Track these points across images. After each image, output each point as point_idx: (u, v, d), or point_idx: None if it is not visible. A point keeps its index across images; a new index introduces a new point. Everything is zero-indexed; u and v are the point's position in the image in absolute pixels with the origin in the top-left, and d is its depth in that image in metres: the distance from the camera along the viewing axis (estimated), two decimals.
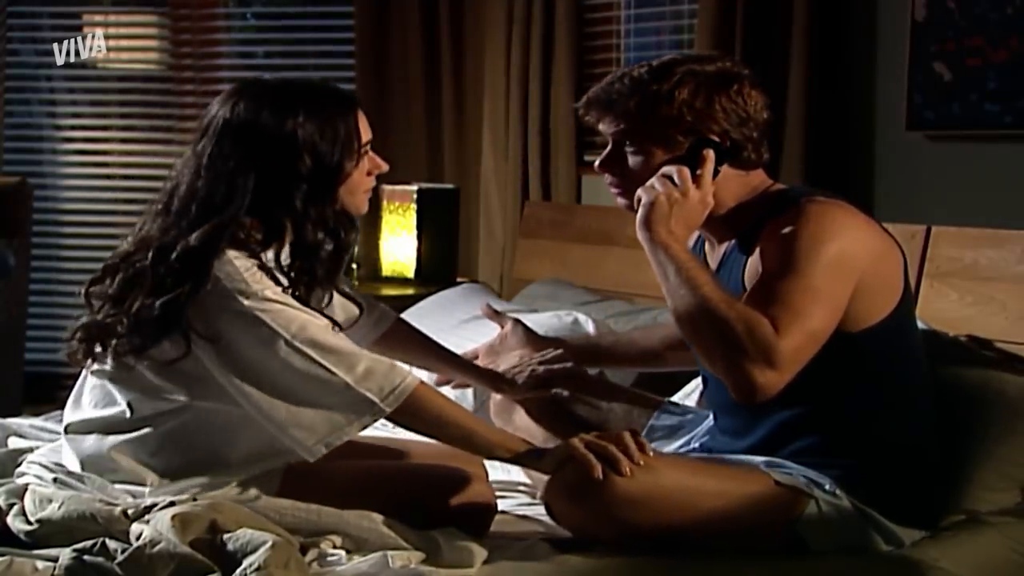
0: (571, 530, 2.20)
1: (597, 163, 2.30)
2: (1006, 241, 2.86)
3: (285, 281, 2.16)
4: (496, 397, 2.69)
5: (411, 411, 2.12)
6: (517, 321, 2.77)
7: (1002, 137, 3.10)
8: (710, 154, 2.18)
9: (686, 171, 2.16)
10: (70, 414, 2.27)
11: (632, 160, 2.25)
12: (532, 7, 4.23)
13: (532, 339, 2.72)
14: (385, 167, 2.28)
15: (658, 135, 2.21)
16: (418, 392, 2.13)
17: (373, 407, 2.09)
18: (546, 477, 2.21)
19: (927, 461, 2.31)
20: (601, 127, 2.29)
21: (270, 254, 2.18)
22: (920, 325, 2.46)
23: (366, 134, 2.23)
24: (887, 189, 3.32)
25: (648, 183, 2.17)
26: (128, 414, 2.19)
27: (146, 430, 2.18)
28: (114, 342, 2.16)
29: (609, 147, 2.28)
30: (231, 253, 2.11)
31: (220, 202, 2.13)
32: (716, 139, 2.20)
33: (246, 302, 2.08)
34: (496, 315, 2.80)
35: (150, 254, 2.13)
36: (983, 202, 3.13)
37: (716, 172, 2.19)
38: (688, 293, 2.07)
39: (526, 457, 2.21)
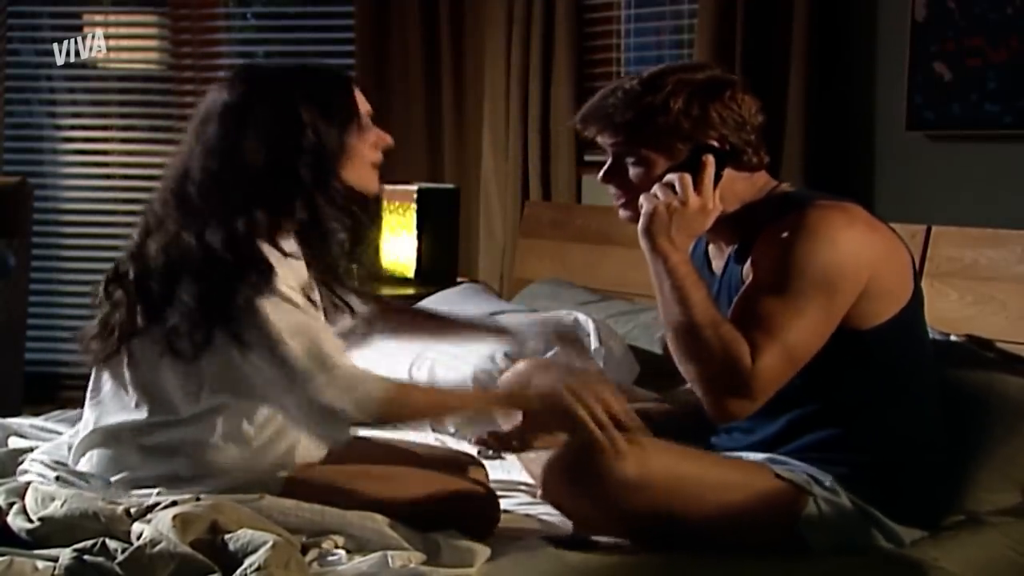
0: (568, 514, 2.21)
1: (600, 175, 2.31)
2: (1006, 241, 2.86)
3: (304, 271, 2.16)
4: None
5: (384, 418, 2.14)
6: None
7: (1002, 137, 3.10)
8: (710, 159, 2.19)
9: (687, 178, 2.17)
10: (95, 418, 2.25)
11: (634, 171, 2.25)
12: (532, 7, 4.23)
13: None
14: (390, 141, 2.30)
15: (657, 144, 2.22)
16: (389, 399, 2.12)
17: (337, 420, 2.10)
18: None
19: (931, 460, 2.31)
20: (600, 140, 2.30)
21: (292, 243, 2.18)
22: None
23: (364, 108, 2.25)
24: (887, 189, 3.32)
25: (651, 191, 2.18)
26: (154, 416, 2.19)
27: (172, 432, 2.18)
28: (158, 336, 2.13)
29: (610, 160, 2.29)
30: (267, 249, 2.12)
31: (237, 184, 2.13)
32: (715, 144, 2.20)
33: (262, 298, 2.08)
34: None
35: (191, 244, 2.11)
36: (983, 202, 3.13)
37: (719, 177, 2.20)
38: (679, 311, 2.12)
39: (508, 397, 2.29)
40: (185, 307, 2.09)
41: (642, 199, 2.19)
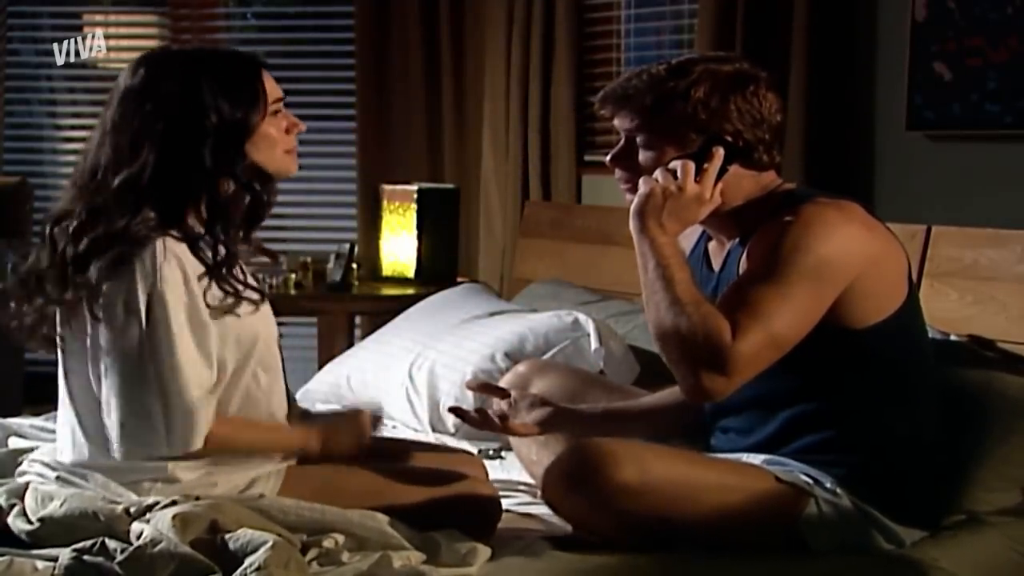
0: (568, 519, 2.21)
1: (608, 158, 2.31)
2: (1006, 241, 2.86)
3: (210, 253, 2.15)
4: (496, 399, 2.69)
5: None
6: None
7: (1002, 137, 3.10)
8: (719, 151, 2.19)
9: (691, 165, 2.17)
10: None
11: (643, 156, 2.25)
12: (532, 7, 4.22)
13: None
14: (303, 126, 2.28)
15: (671, 132, 2.22)
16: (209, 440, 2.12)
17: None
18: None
19: (931, 461, 2.31)
20: (616, 122, 2.30)
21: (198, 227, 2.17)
22: None
23: (274, 92, 2.24)
24: (887, 189, 3.32)
25: (652, 175, 2.18)
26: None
27: None
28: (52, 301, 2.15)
29: (622, 142, 2.29)
30: (169, 242, 2.11)
31: (127, 161, 2.13)
32: (728, 139, 2.20)
33: (142, 295, 2.08)
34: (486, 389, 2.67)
35: (49, 224, 2.15)
36: (983, 202, 3.13)
37: (724, 171, 2.20)
38: (660, 290, 2.10)
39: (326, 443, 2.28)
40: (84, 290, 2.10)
41: (640, 181, 2.19)
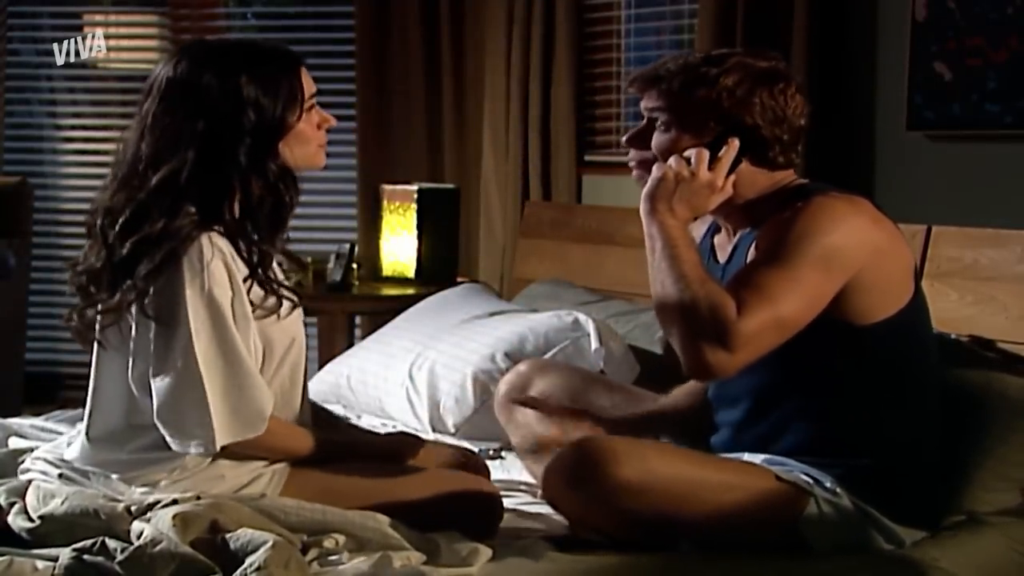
0: (569, 517, 2.21)
1: (625, 138, 2.33)
2: (1006, 241, 2.86)
3: (246, 252, 2.17)
4: (499, 396, 2.69)
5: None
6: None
7: (1002, 137, 3.10)
8: (734, 142, 2.20)
9: (705, 152, 2.18)
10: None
11: (660, 138, 2.26)
12: (532, 7, 4.23)
13: None
14: (333, 121, 2.30)
15: (692, 118, 2.23)
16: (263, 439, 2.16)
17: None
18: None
19: (930, 461, 2.31)
20: (642, 105, 2.31)
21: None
22: None
23: (309, 88, 2.24)
24: (887, 189, 3.32)
25: (667, 161, 2.19)
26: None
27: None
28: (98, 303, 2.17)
29: (642, 123, 2.31)
30: (214, 238, 2.12)
31: (166, 157, 2.14)
32: (746, 132, 2.21)
33: (189, 293, 2.09)
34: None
35: (99, 219, 2.16)
36: (983, 202, 3.13)
37: (738, 163, 2.20)
38: (667, 268, 2.10)
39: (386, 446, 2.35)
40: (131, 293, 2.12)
41: (655, 167, 2.20)
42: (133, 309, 2.12)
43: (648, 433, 2.57)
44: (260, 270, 2.17)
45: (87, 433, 2.22)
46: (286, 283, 2.24)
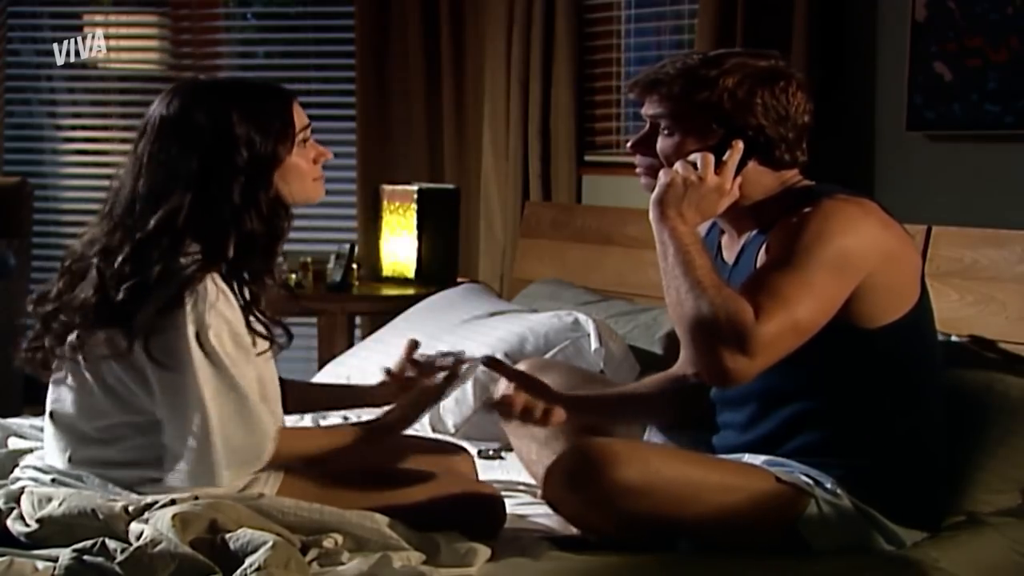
0: (569, 519, 2.21)
1: (630, 143, 2.32)
2: (1006, 241, 2.86)
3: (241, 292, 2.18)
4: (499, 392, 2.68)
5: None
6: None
7: (1002, 137, 3.10)
8: (738, 145, 2.19)
9: (710, 156, 2.17)
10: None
11: (664, 143, 2.26)
12: (532, 7, 4.22)
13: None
14: (329, 155, 2.31)
15: (695, 121, 2.23)
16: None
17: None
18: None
19: (932, 463, 2.31)
20: (644, 110, 2.30)
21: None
22: None
23: (301, 121, 2.25)
24: (887, 189, 3.32)
25: (673, 166, 2.19)
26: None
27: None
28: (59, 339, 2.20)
29: (645, 128, 2.30)
30: (216, 279, 2.13)
31: (163, 196, 2.15)
32: (750, 133, 2.21)
33: (195, 346, 2.10)
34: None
35: (94, 256, 2.17)
36: (983, 202, 3.13)
37: (744, 165, 2.20)
38: (681, 275, 2.10)
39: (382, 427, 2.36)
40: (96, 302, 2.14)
41: (662, 172, 2.19)
42: (136, 348, 2.12)
43: (607, 415, 2.57)
44: (252, 310, 2.18)
45: (70, 458, 2.23)
46: (274, 318, 2.24)
